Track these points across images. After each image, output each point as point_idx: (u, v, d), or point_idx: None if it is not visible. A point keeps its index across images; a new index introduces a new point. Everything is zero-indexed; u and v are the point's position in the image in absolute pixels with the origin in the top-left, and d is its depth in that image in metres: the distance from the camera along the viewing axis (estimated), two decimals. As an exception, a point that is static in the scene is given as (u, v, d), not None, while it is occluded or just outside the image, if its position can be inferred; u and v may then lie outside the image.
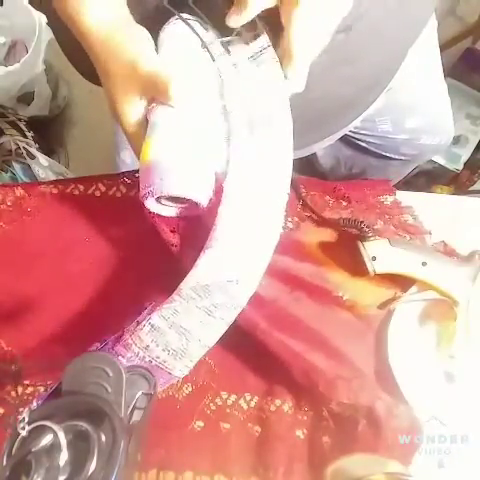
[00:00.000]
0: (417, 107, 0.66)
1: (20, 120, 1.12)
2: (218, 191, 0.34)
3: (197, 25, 0.36)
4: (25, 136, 1.10)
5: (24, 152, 1.03)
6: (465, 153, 1.08)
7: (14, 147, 1.04)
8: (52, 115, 1.27)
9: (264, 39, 0.34)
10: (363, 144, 0.72)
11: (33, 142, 1.11)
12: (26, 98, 1.16)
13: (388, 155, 0.72)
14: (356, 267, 0.45)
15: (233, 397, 0.43)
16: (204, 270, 0.33)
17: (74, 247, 0.48)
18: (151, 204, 0.35)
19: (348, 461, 0.39)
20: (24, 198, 0.50)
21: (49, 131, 1.28)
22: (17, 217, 0.50)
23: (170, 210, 0.37)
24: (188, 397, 0.43)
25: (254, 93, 0.34)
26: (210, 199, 0.34)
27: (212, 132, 0.35)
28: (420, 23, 0.54)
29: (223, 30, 0.35)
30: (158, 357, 0.32)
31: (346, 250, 0.46)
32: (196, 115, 0.35)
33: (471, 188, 1.05)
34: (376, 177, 0.80)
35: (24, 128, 1.11)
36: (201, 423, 0.43)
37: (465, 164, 1.07)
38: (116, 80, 0.37)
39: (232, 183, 0.33)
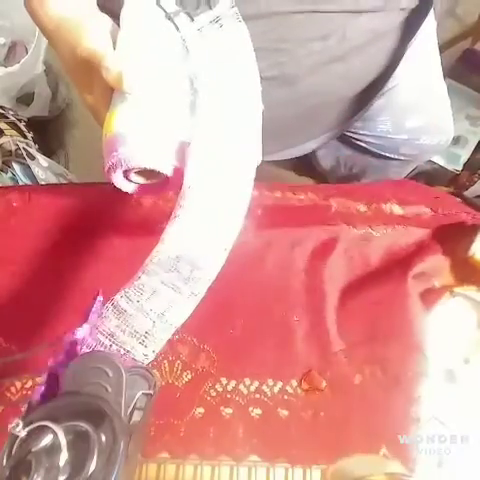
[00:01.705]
0: (417, 107, 0.66)
1: (20, 121, 1.12)
2: (183, 159, 0.32)
3: None
4: (25, 137, 1.10)
5: (24, 153, 1.03)
6: (465, 154, 1.08)
7: (14, 148, 1.04)
8: (52, 116, 1.27)
9: (227, 1, 0.34)
10: (363, 144, 0.73)
11: (33, 143, 1.11)
12: (26, 99, 1.16)
13: (388, 155, 0.72)
14: (454, 247, 0.46)
15: (233, 383, 0.43)
16: (170, 242, 0.30)
17: (67, 240, 0.48)
18: (117, 179, 0.34)
19: (348, 461, 0.39)
20: (13, 192, 0.50)
21: (49, 132, 1.28)
22: (6, 214, 0.50)
23: (133, 186, 0.35)
24: (188, 384, 0.44)
25: (219, 55, 0.34)
26: (175, 168, 0.33)
27: (178, 100, 0.34)
28: (416, 24, 0.54)
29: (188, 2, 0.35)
30: (124, 343, 0.29)
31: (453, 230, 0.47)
32: (161, 86, 0.34)
33: (470, 189, 1.05)
34: (376, 177, 0.80)
35: (24, 129, 1.11)
36: (202, 409, 0.43)
37: (465, 165, 1.07)
38: (74, 75, 0.37)
39: (198, 147, 0.31)
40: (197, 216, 0.30)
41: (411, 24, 0.54)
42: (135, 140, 0.31)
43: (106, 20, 0.38)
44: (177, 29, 0.34)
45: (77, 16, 0.37)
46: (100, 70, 0.32)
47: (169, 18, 0.35)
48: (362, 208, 0.48)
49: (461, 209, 0.48)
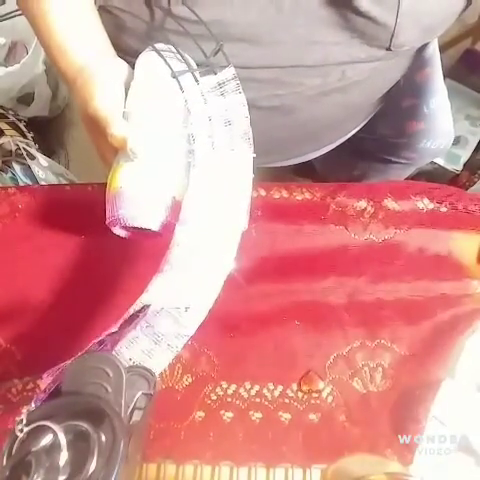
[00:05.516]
0: (417, 111, 0.66)
1: (20, 121, 1.12)
2: (175, 216, 0.35)
3: (171, 55, 0.38)
4: (25, 137, 1.10)
5: (24, 153, 1.03)
6: (464, 154, 1.08)
7: (14, 148, 1.04)
8: (52, 116, 1.27)
9: (230, 71, 0.37)
10: (363, 147, 0.72)
11: (33, 143, 1.11)
12: (26, 99, 1.16)
13: (388, 158, 0.72)
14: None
15: (233, 386, 0.43)
16: (154, 294, 0.32)
17: (67, 242, 0.48)
18: (116, 230, 0.38)
19: (348, 461, 0.39)
20: (15, 194, 0.51)
21: (49, 132, 1.29)
22: (9, 213, 0.50)
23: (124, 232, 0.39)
24: (188, 388, 0.43)
25: (218, 121, 0.36)
26: (163, 223, 0.36)
27: (176, 162, 0.36)
28: (416, 55, 0.54)
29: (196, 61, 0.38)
30: None
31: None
32: (163, 148, 0.36)
33: (470, 189, 1.05)
34: (377, 179, 0.80)
35: (24, 129, 1.11)
36: (202, 413, 0.43)
37: (465, 165, 1.07)
38: (85, 124, 0.38)
39: (188, 208, 0.33)
40: (181, 274, 0.32)
41: (411, 55, 0.53)
42: (135, 202, 0.35)
43: (121, 70, 0.39)
44: (181, 89, 0.36)
45: (94, 64, 0.38)
46: (105, 133, 0.34)
47: (174, 77, 0.36)
48: (362, 205, 0.48)
49: (462, 197, 0.48)
